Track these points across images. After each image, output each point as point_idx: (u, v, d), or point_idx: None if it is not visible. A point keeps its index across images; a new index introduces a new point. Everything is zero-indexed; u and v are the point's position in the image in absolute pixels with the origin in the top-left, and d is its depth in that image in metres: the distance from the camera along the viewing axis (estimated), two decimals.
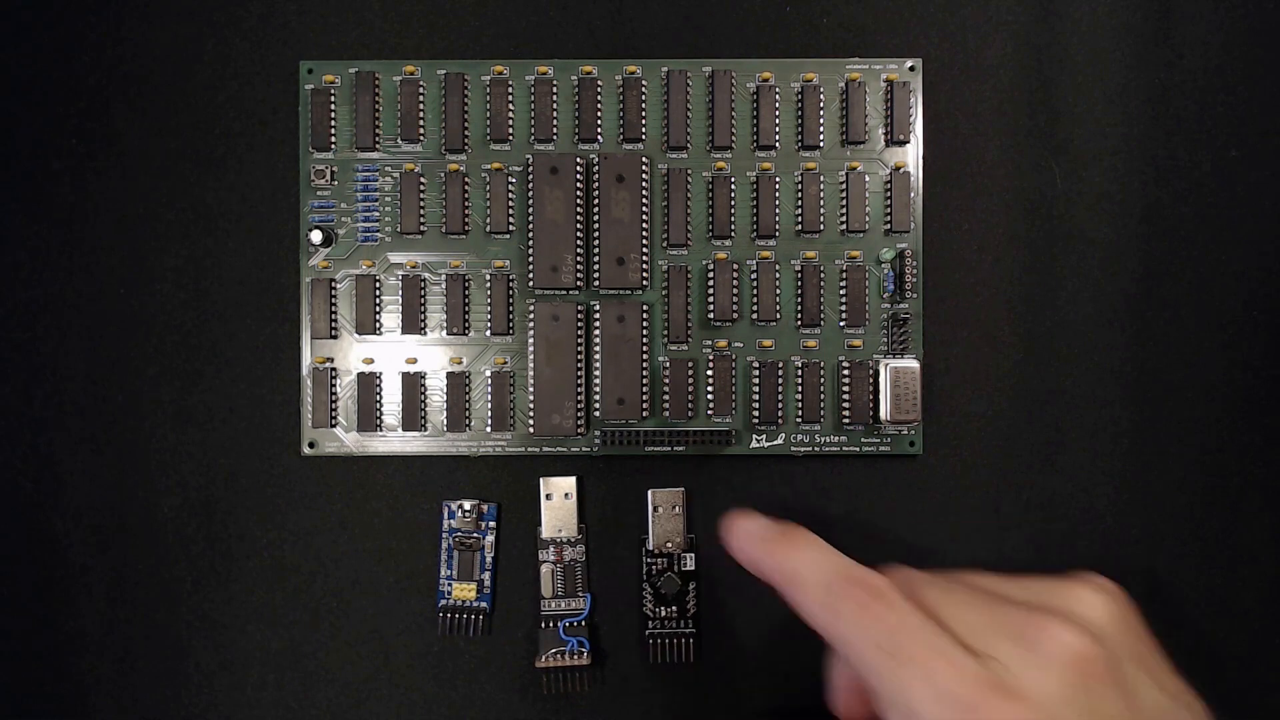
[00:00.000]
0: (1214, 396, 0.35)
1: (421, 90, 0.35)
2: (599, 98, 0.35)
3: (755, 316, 0.35)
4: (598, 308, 0.34)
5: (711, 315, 0.35)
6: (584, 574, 0.35)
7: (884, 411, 0.34)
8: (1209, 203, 0.35)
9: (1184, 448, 0.35)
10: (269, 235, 0.35)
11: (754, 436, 0.35)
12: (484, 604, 0.35)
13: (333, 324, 0.35)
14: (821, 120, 0.35)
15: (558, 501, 0.35)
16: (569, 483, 0.35)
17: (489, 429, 0.35)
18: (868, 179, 0.35)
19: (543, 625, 0.35)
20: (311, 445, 0.35)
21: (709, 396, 0.34)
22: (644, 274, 0.34)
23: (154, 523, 0.35)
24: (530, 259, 0.34)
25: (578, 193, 0.34)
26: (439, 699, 0.35)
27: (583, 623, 0.35)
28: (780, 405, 0.34)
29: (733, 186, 0.35)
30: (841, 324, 0.35)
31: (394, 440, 0.35)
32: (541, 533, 0.35)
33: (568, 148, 0.35)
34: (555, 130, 0.35)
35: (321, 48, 0.35)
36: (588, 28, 0.36)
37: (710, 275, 0.35)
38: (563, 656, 0.34)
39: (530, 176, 0.34)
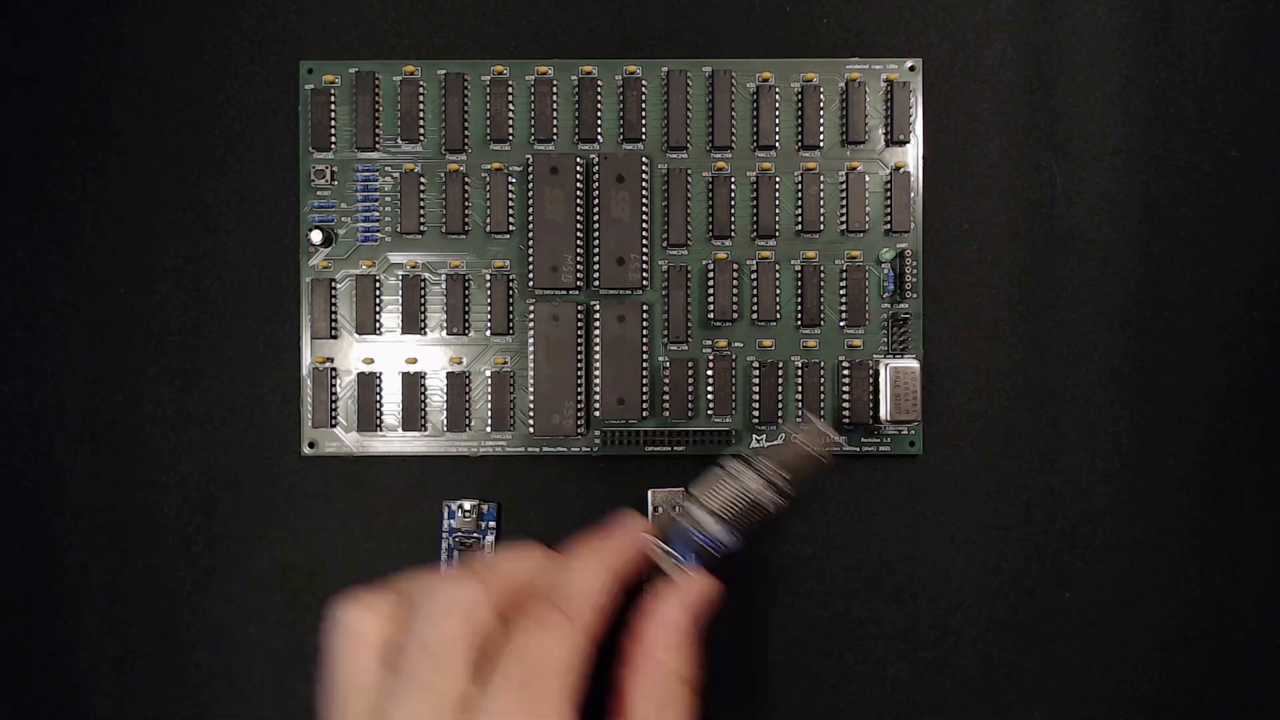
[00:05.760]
0: (1214, 396, 0.35)
1: (421, 90, 0.35)
2: (599, 98, 0.35)
3: (755, 316, 0.35)
4: (598, 308, 0.34)
5: (711, 315, 0.35)
6: None
7: (884, 411, 0.34)
8: (1209, 203, 0.35)
9: (1184, 448, 0.35)
10: (269, 235, 0.35)
11: (754, 436, 0.35)
12: None
13: (333, 324, 0.35)
14: (821, 120, 0.35)
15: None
16: None
17: (489, 429, 0.35)
18: (868, 179, 0.35)
19: None
20: (311, 445, 0.35)
21: (709, 396, 0.34)
22: (644, 274, 0.34)
23: (154, 523, 0.35)
24: (530, 259, 0.34)
25: (578, 193, 0.34)
26: None
27: None
28: (780, 405, 0.34)
29: (733, 186, 0.35)
30: (841, 324, 0.35)
31: (394, 440, 0.35)
32: None
33: (568, 148, 0.35)
34: (555, 130, 0.35)
35: (321, 48, 0.35)
36: (588, 28, 0.36)
37: (710, 275, 0.35)
38: None
39: (530, 176, 0.34)
